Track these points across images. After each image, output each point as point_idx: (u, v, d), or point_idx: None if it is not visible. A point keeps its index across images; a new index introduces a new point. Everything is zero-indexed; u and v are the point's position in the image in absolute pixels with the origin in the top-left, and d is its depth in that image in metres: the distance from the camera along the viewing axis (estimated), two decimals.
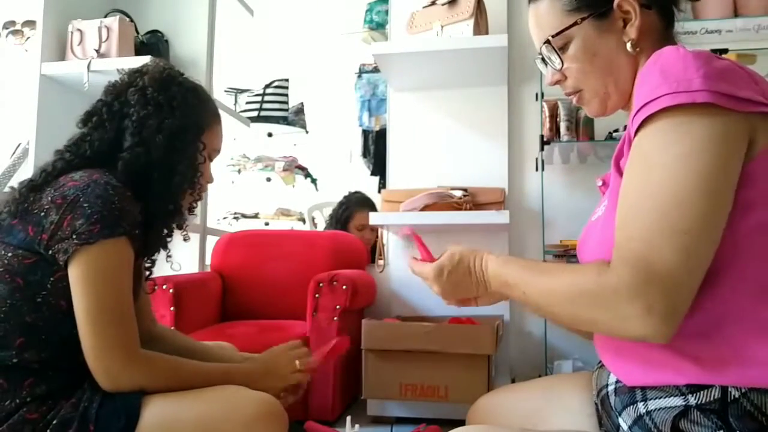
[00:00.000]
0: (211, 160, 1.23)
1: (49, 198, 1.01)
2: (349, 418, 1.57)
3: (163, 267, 1.29)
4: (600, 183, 1.02)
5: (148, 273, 1.24)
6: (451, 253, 0.92)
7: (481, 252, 0.90)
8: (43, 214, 1.00)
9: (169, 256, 1.23)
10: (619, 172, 0.83)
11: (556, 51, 0.91)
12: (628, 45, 0.86)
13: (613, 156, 0.86)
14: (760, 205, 0.71)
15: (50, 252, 0.99)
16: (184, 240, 1.27)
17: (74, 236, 0.97)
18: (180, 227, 1.23)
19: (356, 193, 3.23)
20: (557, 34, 0.90)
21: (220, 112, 1.27)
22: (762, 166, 0.71)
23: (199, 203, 1.26)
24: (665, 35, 0.90)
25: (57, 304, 1.00)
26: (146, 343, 1.12)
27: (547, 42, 0.91)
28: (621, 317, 0.69)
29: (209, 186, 1.28)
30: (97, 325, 0.97)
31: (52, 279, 0.99)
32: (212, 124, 1.21)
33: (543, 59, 0.95)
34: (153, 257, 1.22)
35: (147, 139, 1.09)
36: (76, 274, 0.98)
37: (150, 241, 1.14)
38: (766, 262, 0.72)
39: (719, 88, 0.69)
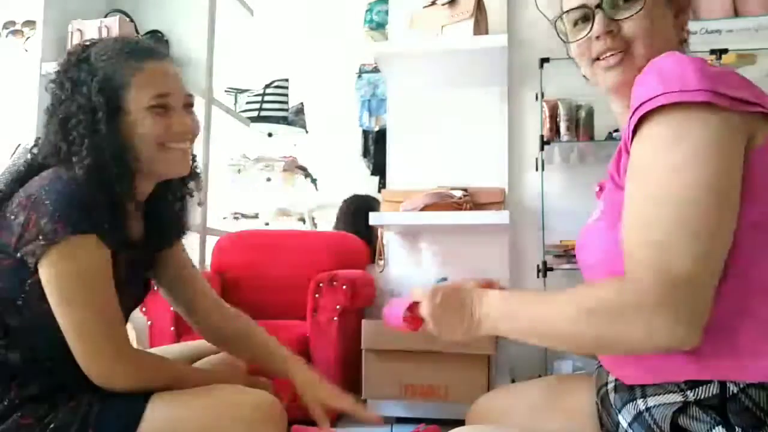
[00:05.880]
0: (165, 108, 1.04)
1: (17, 200, 0.98)
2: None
3: None
4: (597, 188, 1.01)
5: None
6: (452, 282, 0.91)
7: (480, 292, 0.86)
8: (13, 217, 0.97)
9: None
10: (613, 179, 0.83)
11: None
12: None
13: (611, 162, 0.85)
14: (754, 203, 0.71)
15: (19, 255, 0.95)
16: (199, 205, 1.24)
17: (40, 237, 0.92)
18: (190, 194, 1.20)
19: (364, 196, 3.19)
20: None
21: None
22: (756, 165, 0.72)
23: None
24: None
25: (39, 306, 0.96)
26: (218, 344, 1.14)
27: None
28: (648, 330, 0.67)
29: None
30: (79, 329, 0.95)
31: (29, 281, 0.96)
32: (133, 75, 1.03)
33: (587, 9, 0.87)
34: (180, 235, 1.21)
35: (65, 127, 1.02)
36: (47, 276, 0.94)
37: (161, 221, 1.13)
38: (765, 260, 0.72)
39: (716, 87, 0.70)
